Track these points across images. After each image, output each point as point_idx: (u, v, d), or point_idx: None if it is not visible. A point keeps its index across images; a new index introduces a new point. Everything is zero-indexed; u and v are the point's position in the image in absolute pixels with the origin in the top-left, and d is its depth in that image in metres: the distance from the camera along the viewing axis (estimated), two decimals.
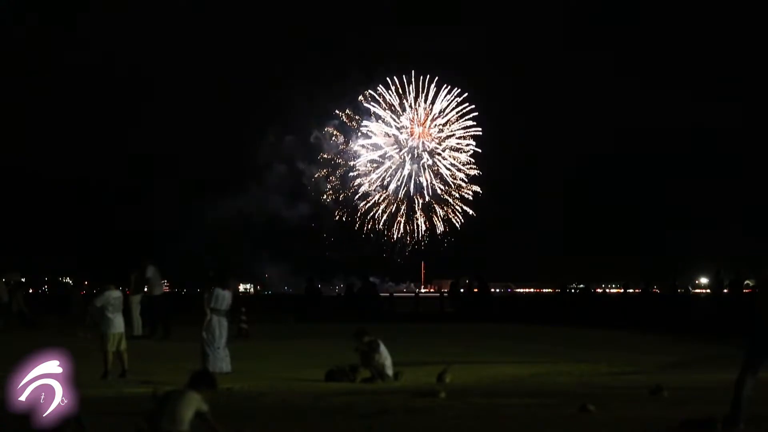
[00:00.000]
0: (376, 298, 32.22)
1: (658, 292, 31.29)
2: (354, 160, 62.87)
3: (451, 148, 62.63)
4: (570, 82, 62.98)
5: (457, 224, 62.81)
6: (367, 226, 62.79)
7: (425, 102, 61.80)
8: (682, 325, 23.72)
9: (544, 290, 55.79)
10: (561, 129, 64.36)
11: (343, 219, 63.35)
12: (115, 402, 9.67)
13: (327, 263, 58.77)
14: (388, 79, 61.32)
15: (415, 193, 62.70)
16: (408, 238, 63.97)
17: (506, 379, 12.92)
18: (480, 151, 61.53)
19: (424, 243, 64.42)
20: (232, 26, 62.23)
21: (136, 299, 21.33)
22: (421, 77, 61.06)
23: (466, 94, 60.98)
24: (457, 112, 61.70)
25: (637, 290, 33.46)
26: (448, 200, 62.70)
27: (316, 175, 62.49)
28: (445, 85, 61.09)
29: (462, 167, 62.22)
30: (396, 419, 8.13)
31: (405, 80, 61.34)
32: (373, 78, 61.46)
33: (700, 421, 7.25)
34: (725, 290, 25.59)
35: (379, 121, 62.17)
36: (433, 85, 61.18)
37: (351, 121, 62.28)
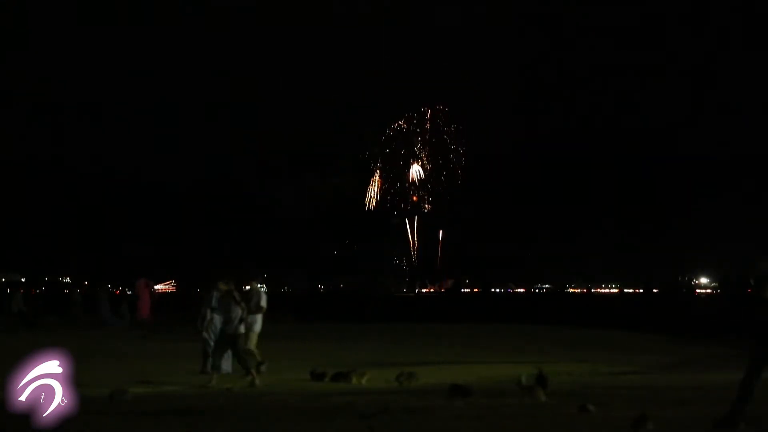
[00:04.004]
0: (377, 297, 32.30)
1: (658, 292, 31.35)
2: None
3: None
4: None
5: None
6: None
7: None
8: (683, 325, 23.75)
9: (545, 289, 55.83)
10: None
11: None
12: (116, 402, 9.65)
13: (323, 263, 59.11)
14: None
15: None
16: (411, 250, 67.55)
17: (506, 379, 12.90)
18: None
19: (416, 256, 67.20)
20: None
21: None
22: None
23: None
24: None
25: (638, 290, 33.54)
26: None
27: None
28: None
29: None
30: (396, 419, 8.12)
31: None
32: None
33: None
34: (733, 290, 25.61)
35: None
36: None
37: None
